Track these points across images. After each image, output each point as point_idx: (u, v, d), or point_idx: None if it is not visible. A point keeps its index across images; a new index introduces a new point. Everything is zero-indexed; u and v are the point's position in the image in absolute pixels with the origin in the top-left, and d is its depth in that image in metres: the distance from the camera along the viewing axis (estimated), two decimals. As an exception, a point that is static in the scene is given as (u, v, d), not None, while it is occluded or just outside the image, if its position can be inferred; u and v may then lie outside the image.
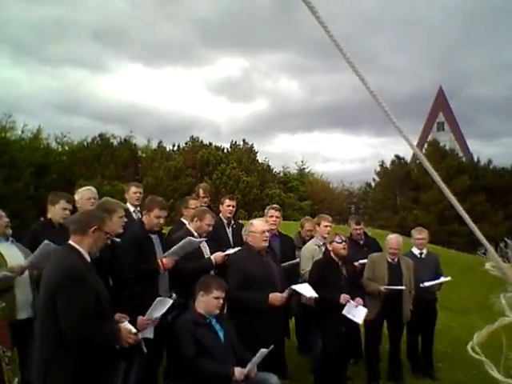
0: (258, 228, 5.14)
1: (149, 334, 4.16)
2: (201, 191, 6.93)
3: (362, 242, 7.06)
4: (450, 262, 13.51)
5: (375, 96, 1.01)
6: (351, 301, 5.59)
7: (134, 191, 6.30)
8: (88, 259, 3.46)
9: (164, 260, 4.77)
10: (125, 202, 6.23)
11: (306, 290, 5.24)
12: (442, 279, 6.59)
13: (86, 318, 3.22)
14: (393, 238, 6.58)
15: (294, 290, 5.06)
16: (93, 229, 3.46)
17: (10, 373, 2.10)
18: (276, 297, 4.90)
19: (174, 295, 5.04)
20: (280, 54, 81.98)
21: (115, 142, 42.57)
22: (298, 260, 6.29)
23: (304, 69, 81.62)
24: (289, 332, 6.60)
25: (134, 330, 3.61)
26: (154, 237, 4.99)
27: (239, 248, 5.51)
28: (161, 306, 4.24)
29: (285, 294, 4.96)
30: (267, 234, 5.17)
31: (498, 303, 1.47)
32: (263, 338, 4.61)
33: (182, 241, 4.87)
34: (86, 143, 42.12)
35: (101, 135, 42.07)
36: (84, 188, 5.88)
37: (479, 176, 43.54)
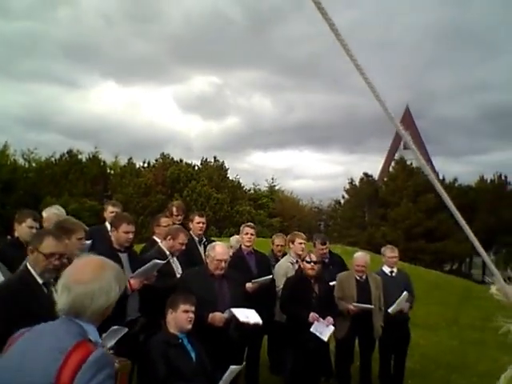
0: (217, 256, 4.98)
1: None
2: (174, 209, 6.84)
3: (327, 261, 7.03)
4: (417, 279, 13.62)
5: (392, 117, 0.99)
6: (320, 319, 5.58)
7: (110, 210, 6.23)
8: (39, 280, 3.34)
9: (131, 281, 4.67)
10: (104, 221, 6.24)
11: (245, 314, 4.94)
12: (401, 297, 6.55)
13: None
14: (359, 256, 6.61)
15: (232, 313, 4.85)
16: (30, 248, 3.36)
17: None
18: (215, 316, 4.75)
19: (141, 318, 4.94)
20: (253, 71, 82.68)
21: (83, 159, 42.01)
22: (270, 277, 6.25)
23: (277, 87, 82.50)
24: (259, 351, 6.51)
25: None
26: (123, 255, 4.89)
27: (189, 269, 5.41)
28: (114, 335, 4.08)
29: (225, 315, 4.80)
30: (223, 264, 5.00)
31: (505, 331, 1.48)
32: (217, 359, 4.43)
33: (148, 264, 4.77)
34: (53, 159, 41.57)
35: (69, 151, 41.56)
36: (52, 210, 5.67)
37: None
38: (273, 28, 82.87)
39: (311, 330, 5.52)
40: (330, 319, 5.66)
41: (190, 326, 4.28)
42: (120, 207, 6.43)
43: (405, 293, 6.56)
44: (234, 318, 4.83)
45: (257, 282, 5.93)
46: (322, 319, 5.61)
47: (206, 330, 4.61)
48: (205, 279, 4.97)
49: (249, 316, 4.95)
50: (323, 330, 5.59)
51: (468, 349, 9.56)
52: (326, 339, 5.60)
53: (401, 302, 6.53)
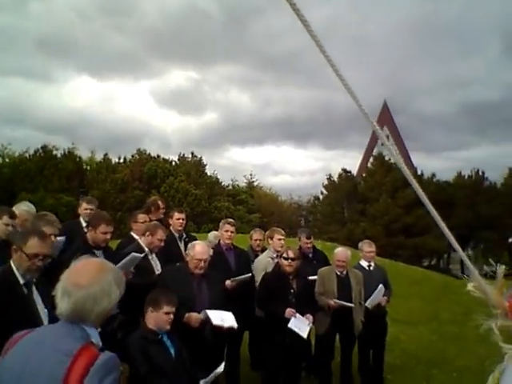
0: (196, 255, 4.97)
1: None
2: (160, 203, 6.91)
3: (310, 256, 7.11)
4: (397, 274, 13.77)
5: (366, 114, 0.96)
6: (297, 314, 5.55)
7: (84, 207, 6.20)
8: (20, 280, 3.31)
9: None
10: (78, 216, 6.23)
11: (220, 316, 4.92)
12: (377, 291, 6.63)
13: None
14: (340, 251, 6.65)
15: (207, 315, 4.81)
16: (13, 247, 3.31)
17: None
18: (191, 316, 4.75)
19: (119, 315, 4.88)
20: (231, 66, 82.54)
21: (58, 154, 41.49)
22: (249, 275, 6.23)
23: (255, 82, 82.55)
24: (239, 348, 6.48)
25: None
26: (99, 252, 4.85)
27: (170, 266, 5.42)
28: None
29: (201, 315, 4.80)
30: (203, 263, 4.98)
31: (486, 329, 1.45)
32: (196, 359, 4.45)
33: (126, 258, 4.75)
34: (28, 155, 40.92)
35: (44, 147, 40.96)
36: (21, 207, 5.50)
37: (423, 189, 44.61)
38: (251, 23, 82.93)
39: (289, 325, 5.49)
40: (309, 317, 5.65)
41: (168, 327, 4.27)
42: (95, 204, 6.36)
43: (380, 286, 6.65)
44: (208, 319, 4.82)
45: (236, 280, 5.90)
46: (299, 315, 5.59)
47: (182, 329, 4.59)
48: (184, 277, 4.94)
49: (224, 319, 4.92)
50: (302, 326, 5.57)
51: (448, 344, 9.66)
52: (305, 336, 5.59)
53: (377, 295, 6.60)
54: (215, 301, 4.96)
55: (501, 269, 1.60)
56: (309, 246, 7.12)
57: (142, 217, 6.18)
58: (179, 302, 4.55)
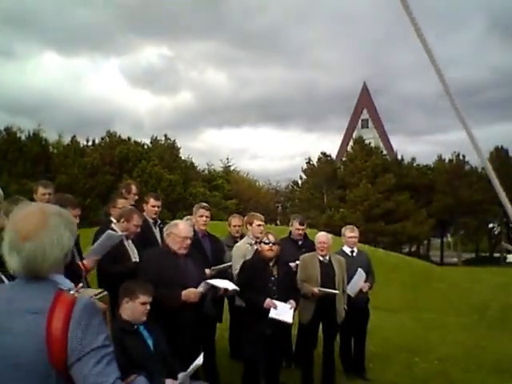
0: (182, 233, 4.95)
1: None
2: (133, 187, 6.80)
3: (300, 243, 7.11)
4: (377, 261, 13.93)
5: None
6: (277, 303, 5.58)
7: (42, 192, 5.85)
8: None
9: (84, 261, 4.56)
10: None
11: (222, 283, 5.13)
12: (356, 275, 6.70)
13: None
14: (321, 234, 6.70)
15: (210, 284, 4.93)
16: None
17: None
18: (190, 292, 4.75)
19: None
20: (207, 43, 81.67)
21: (23, 137, 40.62)
22: (229, 264, 6.25)
23: (232, 60, 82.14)
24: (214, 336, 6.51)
25: None
26: None
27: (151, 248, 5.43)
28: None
29: (200, 289, 4.81)
30: (189, 241, 4.99)
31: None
32: (175, 346, 4.49)
33: (101, 237, 4.70)
34: (-11, 138, 39.91)
35: (7, 129, 40.06)
36: None
37: (403, 174, 45.44)
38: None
39: (270, 315, 5.50)
40: (292, 302, 5.70)
41: (144, 318, 4.22)
42: (53, 188, 6.05)
43: (359, 270, 6.73)
44: (209, 291, 4.91)
45: (216, 269, 5.91)
46: (280, 302, 5.62)
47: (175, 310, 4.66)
48: (168, 258, 4.92)
49: (226, 284, 5.11)
50: (284, 312, 5.60)
51: (429, 332, 9.87)
52: (290, 321, 5.62)
53: (357, 280, 6.69)
54: (202, 279, 4.99)
55: None
56: (300, 232, 7.12)
57: (121, 202, 6.08)
58: (170, 282, 4.65)
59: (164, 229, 5.20)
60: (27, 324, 1.73)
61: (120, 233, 5.01)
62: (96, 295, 2.24)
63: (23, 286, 1.83)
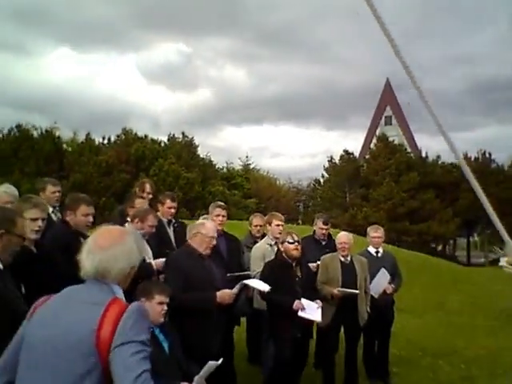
0: (210, 232, 5.03)
1: None
2: (148, 186, 6.77)
3: (324, 243, 7.08)
4: (401, 261, 13.82)
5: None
6: (305, 302, 5.59)
7: (52, 190, 5.89)
8: (0, 267, 3.28)
9: None
10: None
11: (258, 284, 5.28)
12: (378, 275, 6.65)
13: None
14: (342, 234, 6.69)
15: (246, 285, 5.00)
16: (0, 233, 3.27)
17: None
18: (225, 294, 4.84)
19: None
20: (225, 38, 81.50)
21: (36, 134, 40.73)
22: (248, 272, 6.21)
23: (252, 56, 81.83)
24: (232, 340, 6.53)
25: None
26: (82, 239, 4.77)
27: (175, 251, 5.49)
28: None
29: (234, 290, 4.90)
30: (214, 241, 5.08)
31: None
32: (205, 348, 4.56)
33: None
34: (1, 135, 40.07)
35: (18, 126, 40.13)
36: (1, 189, 5.41)
37: (428, 172, 44.97)
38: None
39: (299, 314, 5.53)
40: (319, 302, 5.72)
41: (162, 319, 4.24)
42: (60, 186, 6.16)
43: (382, 270, 6.66)
44: (243, 291, 5.14)
45: (233, 276, 5.90)
46: (308, 301, 5.63)
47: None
48: (195, 259, 4.97)
49: (260, 285, 5.29)
50: (312, 311, 5.62)
51: (455, 334, 9.76)
52: (319, 319, 5.66)
53: (379, 280, 6.63)
54: (225, 280, 5.11)
55: None
56: (324, 232, 7.09)
57: (139, 202, 6.08)
58: (199, 284, 4.76)
59: (188, 229, 5.22)
60: (87, 310, 2.11)
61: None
62: None
63: (91, 285, 2.24)
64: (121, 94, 78.97)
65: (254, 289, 5.31)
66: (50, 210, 5.74)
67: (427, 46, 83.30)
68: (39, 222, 4.15)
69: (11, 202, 5.00)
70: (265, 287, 5.28)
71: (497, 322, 11.02)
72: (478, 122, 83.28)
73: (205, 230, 5.03)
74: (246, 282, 5.07)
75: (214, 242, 5.08)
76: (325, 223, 7.12)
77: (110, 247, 2.27)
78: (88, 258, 2.26)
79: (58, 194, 5.93)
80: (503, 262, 1.42)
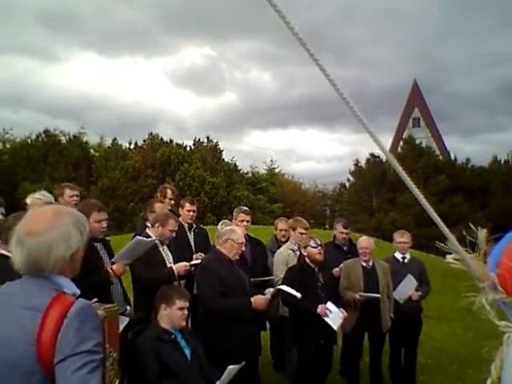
0: (240, 239, 5.11)
1: None
2: (169, 192, 6.85)
3: (345, 248, 7.03)
4: (429, 267, 13.62)
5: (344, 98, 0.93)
6: (331, 309, 5.56)
7: (69, 194, 5.92)
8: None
9: (114, 266, 4.59)
10: None
11: (291, 289, 5.32)
12: (404, 281, 6.53)
13: None
14: (363, 239, 6.65)
15: (280, 290, 5.03)
16: None
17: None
18: (260, 299, 4.92)
19: (128, 308, 4.94)
20: (251, 42, 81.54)
21: (64, 140, 41.27)
22: (272, 277, 6.27)
23: (278, 59, 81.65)
24: (260, 346, 6.52)
25: None
26: (98, 245, 4.80)
27: (204, 257, 5.49)
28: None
29: (268, 296, 4.98)
30: (244, 247, 5.20)
31: (478, 306, 1.37)
32: (237, 354, 4.55)
33: (130, 242, 4.73)
34: (30, 140, 40.52)
35: (46, 131, 40.64)
36: (36, 196, 5.57)
37: (457, 176, 44.33)
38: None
39: (324, 319, 5.52)
40: (343, 310, 5.68)
41: (184, 324, 4.29)
42: (79, 190, 6.23)
43: (408, 275, 6.54)
44: (277, 296, 5.17)
45: (256, 281, 5.90)
46: (335, 309, 5.60)
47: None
48: (226, 266, 5.04)
49: (293, 291, 5.32)
50: (335, 318, 5.60)
51: (483, 342, 9.50)
52: (335, 327, 5.61)
53: (405, 286, 6.52)
54: (252, 285, 5.20)
55: (482, 233, 1.50)
56: (344, 236, 7.05)
57: (159, 206, 6.13)
58: (233, 289, 4.82)
59: (217, 235, 5.27)
60: (22, 320, 1.77)
61: (151, 238, 5.02)
62: (104, 310, 2.36)
63: (24, 283, 1.89)
64: (147, 98, 79.63)
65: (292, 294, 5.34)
66: None
67: (456, 46, 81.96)
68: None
69: None
70: (297, 293, 5.32)
71: (479, 309, 10.79)
72: (510, 124, 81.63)
73: (236, 236, 5.10)
74: (280, 287, 5.15)
75: (244, 248, 5.18)
76: (345, 227, 7.09)
77: (42, 233, 1.88)
78: (17, 249, 1.89)
79: (76, 198, 5.96)
80: (449, 258, 1.37)
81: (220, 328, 4.75)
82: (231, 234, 5.12)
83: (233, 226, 5.71)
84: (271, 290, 5.10)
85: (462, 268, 1.34)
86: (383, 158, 49.57)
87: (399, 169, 1.02)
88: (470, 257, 1.32)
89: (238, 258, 5.12)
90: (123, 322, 4.14)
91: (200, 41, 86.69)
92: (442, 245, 1.41)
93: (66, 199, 5.92)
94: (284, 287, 5.25)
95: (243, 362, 4.33)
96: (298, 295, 5.30)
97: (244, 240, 5.20)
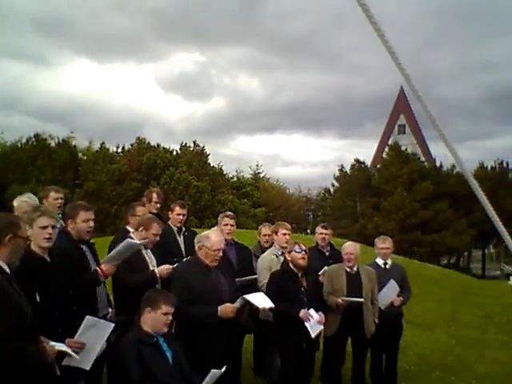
0: (215, 245, 4.95)
1: (83, 363, 3.87)
2: (154, 195, 6.85)
3: (327, 254, 7.04)
4: (413, 273, 13.69)
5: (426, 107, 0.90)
6: (312, 315, 5.53)
7: (54, 197, 6.02)
8: (8, 271, 3.31)
9: (103, 267, 4.57)
10: None
11: (258, 299, 5.12)
12: (386, 287, 6.54)
13: (8, 336, 3.08)
14: (348, 244, 6.65)
15: (246, 300, 4.91)
16: (8, 237, 3.30)
17: None
18: (227, 308, 4.79)
19: (110, 311, 4.90)
20: (240, 48, 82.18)
21: (53, 143, 41.47)
22: (255, 276, 6.27)
23: (266, 65, 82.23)
24: (241, 351, 6.48)
25: (66, 350, 3.54)
26: (84, 247, 4.78)
27: (181, 262, 5.46)
28: (98, 331, 4.03)
29: (236, 304, 4.84)
30: (221, 253, 5.03)
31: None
32: (211, 359, 4.52)
33: (121, 244, 4.70)
34: (19, 144, 40.91)
35: (36, 135, 40.99)
36: (22, 199, 5.61)
37: (442, 182, 44.62)
38: (263, 0, 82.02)
39: (305, 324, 5.49)
40: (322, 316, 5.65)
41: (166, 330, 4.25)
42: (63, 192, 6.30)
43: (391, 281, 6.56)
44: (246, 305, 4.94)
45: (240, 281, 5.89)
46: (314, 314, 5.58)
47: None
48: (201, 271, 4.94)
49: (262, 301, 5.12)
50: (315, 325, 5.58)
51: (467, 349, 9.61)
52: (313, 336, 5.58)
53: (387, 291, 6.54)
54: (234, 292, 5.05)
55: None
56: (323, 237, 7.05)
57: (141, 209, 6.10)
58: (203, 297, 4.72)
59: (195, 241, 5.19)
60: None
61: (139, 242, 5.00)
62: None
63: None
64: (137, 103, 79.92)
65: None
66: None
67: (444, 53, 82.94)
68: (49, 230, 4.17)
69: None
70: (266, 304, 5.14)
71: (510, 336, 10.84)
72: (496, 131, 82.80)
73: (209, 243, 4.96)
74: (246, 297, 4.93)
75: (221, 254, 5.02)
76: (324, 227, 7.12)
77: None
78: None
79: (60, 200, 6.05)
80: None
81: (189, 334, 4.71)
82: (205, 241, 4.99)
83: (210, 232, 5.54)
84: (240, 298, 4.96)
85: None
86: (368, 163, 49.93)
87: (475, 185, 0.99)
88: None
89: (215, 264, 4.99)
90: (107, 328, 4.10)
91: (190, 47, 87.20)
92: (505, 265, 1.36)
93: (50, 202, 5.96)
94: (250, 297, 5.00)
95: (225, 366, 4.30)
96: (266, 306, 5.13)
97: (221, 246, 5.01)
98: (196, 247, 5.10)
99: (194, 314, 4.76)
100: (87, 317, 4.04)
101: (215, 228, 7.24)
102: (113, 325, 4.14)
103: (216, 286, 4.96)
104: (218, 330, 4.77)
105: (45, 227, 4.10)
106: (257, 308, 5.08)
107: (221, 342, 4.79)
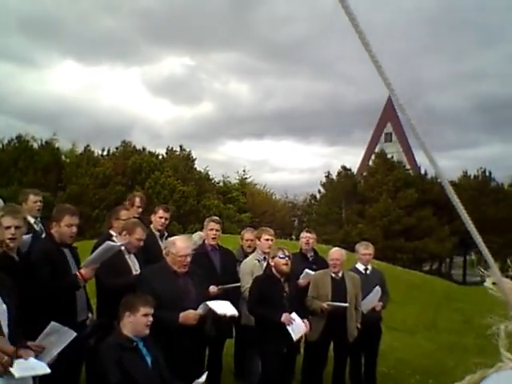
0: (180, 252, 4.83)
1: (39, 368, 3.67)
2: (137, 200, 6.81)
3: (311, 259, 7.12)
4: (395, 279, 13.84)
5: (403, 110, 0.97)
6: (295, 319, 5.60)
7: (33, 200, 6.02)
8: None
9: (82, 271, 4.58)
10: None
11: (221, 307, 5.00)
12: (372, 293, 6.67)
13: None
14: (334, 250, 6.74)
15: (209, 307, 4.81)
16: None
17: None
18: (189, 314, 4.66)
19: (90, 315, 4.92)
20: (230, 53, 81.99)
21: (36, 145, 40.99)
22: (238, 284, 6.27)
23: (256, 71, 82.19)
24: (221, 355, 6.53)
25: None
26: (66, 251, 4.81)
27: (149, 266, 5.35)
28: (59, 340, 3.99)
29: (199, 311, 4.74)
30: (188, 259, 4.90)
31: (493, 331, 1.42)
32: (176, 365, 4.48)
33: (101, 246, 4.72)
34: (1, 145, 40.38)
35: (18, 137, 40.44)
36: None
37: (426, 190, 44.95)
38: (254, 7, 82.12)
39: (287, 328, 5.52)
40: (307, 323, 5.71)
41: (147, 331, 4.24)
42: (41, 196, 6.31)
43: (377, 287, 6.68)
44: (210, 312, 4.80)
45: (223, 288, 5.91)
46: (299, 320, 5.63)
47: (175, 331, 4.62)
48: (167, 277, 4.84)
49: (225, 308, 4.99)
50: (297, 329, 5.62)
51: (446, 354, 9.73)
52: (294, 339, 5.63)
53: (373, 297, 6.66)
54: (203, 299, 4.90)
55: None
56: (307, 240, 7.14)
57: (125, 213, 6.04)
58: (167, 303, 4.59)
59: (163, 246, 5.20)
60: None
61: (119, 243, 5.00)
62: None
63: None
64: (124, 106, 79.12)
65: (240, 305, 5.23)
66: (32, 220, 5.82)
67: (433, 62, 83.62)
68: (12, 230, 4.21)
69: None
70: (230, 311, 5.05)
71: (488, 342, 11.00)
72: (482, 140, 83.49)
73: (175, 249, 4.86)
74: (209, 303, 4.81)
75: (188, 260, 4.89)
76: (308, 231, 7.25)
77: None
78: None
79: (39, 203, 6.04)
80: (488, 283, 1.41)
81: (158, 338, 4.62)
82: (171, 247, 4.90)
83: (177, 237, 5.37)
84: (203, 305, 4.88)
85: (498, 294, 1.39)
86: (355, 170, 50.20)
87: (451, 191, 1.06)
88: (507, 282, 1.37)
89: (184, 270, 4.88)
90: (70, 336, 4.08)
91: (180, 51, 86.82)
92: (485, 271, 1.45)
93: (29, 205, 5.97)
94: (212, 304, 4.87)
95: (206, 372, 4.35)
96: (229, 313, 5.04)
97: (188, 252, 4.89)
98: (163, 252, 5.04)
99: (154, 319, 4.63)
100: (52, 322, 4.01)
101: (200, 233, 7.28)
102: (75, 334, 4.08)
103: (182, 293, 4.84)
104: (181, 336, 4.69)
105: (8, 227, 4.14)
106: (219, 316, 4.94)
107: (184, 348, 4.71)
